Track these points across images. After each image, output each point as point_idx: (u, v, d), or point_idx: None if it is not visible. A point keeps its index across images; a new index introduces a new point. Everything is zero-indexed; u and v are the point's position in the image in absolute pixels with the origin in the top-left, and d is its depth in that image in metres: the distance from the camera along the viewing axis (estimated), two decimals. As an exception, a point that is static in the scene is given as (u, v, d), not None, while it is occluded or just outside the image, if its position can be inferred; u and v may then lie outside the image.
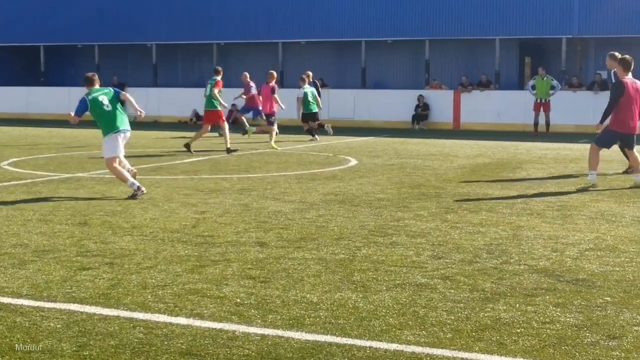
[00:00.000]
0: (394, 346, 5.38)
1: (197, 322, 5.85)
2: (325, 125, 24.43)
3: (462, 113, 30.29)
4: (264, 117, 23.47)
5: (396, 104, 31.14)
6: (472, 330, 5.71)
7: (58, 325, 5.75)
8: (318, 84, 20.29)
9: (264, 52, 35.45)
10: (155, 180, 14.04)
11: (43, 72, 38.79)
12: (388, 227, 9.58)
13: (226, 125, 19.98)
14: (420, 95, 30.67)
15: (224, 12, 34.77)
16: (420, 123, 30.30)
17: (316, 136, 23.81)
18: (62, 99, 35.31)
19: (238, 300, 6.43)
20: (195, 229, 9.44)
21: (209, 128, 20.41)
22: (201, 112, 22.50)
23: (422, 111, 30.58)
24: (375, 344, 5.43)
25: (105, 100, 12.41)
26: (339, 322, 5.89)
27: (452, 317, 5.99)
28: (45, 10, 37.87)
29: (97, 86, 12.72)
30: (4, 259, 7.81)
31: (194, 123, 31.54)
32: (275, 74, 23.82)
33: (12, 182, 13.64)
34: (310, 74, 25.35)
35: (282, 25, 33.73)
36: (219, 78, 20.05)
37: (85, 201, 11.55)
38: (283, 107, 22.91)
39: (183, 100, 33.59)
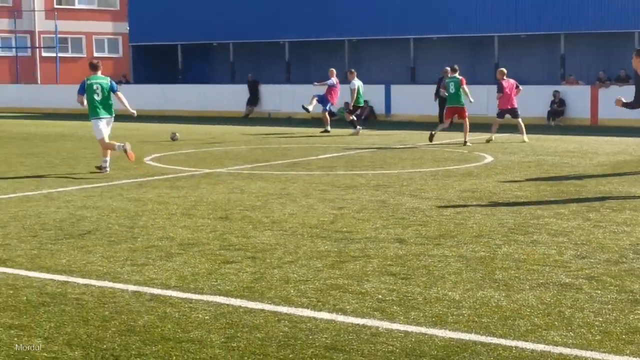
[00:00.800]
0: (540, 347, 5.29)
1: (340, 317, 5.90)
2: (358, 126, 25.13)
3: (599, 109, 29.41)
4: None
5: (531, 99, 30.47)
6: (621, 332, 5.55)
7: (206, 317, 5.90)
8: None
9: (395, 48, 35.40)
10: (291, 176, 14.22)
11: (180, 69, 39.87)
12: (528, 225, 9.41)
13: (467, 121, 20.96)
14: (556, 91, 29.97)
15: (355, 8, 34.89)
16: (556, 119, 29.61)
17: (359, 127, 24.97)
18: (196, 96, 36.31)
19: (380, 296, 6.44)
20: (333, 224, 9.52)
21: (450, 123, 21.71)
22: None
23: (557, 107, 29.87)
24: (521, 344, 5.35)
25: (98, 88, 14.63)
26: (483, 320, 5.83)
27: (600, 319, 5.83)
28: (182, 10, 38.89)
29: (98, 73, 14.82)
30: (152, 251, 8.08)
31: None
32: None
33: (155, 177, 14.09)
34: (354, 71, 26.32)
35: (414, 21, 33.60)
36: (459, 76, 21.20)
37: (225, 196, 11.81)
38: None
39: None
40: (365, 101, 27.94)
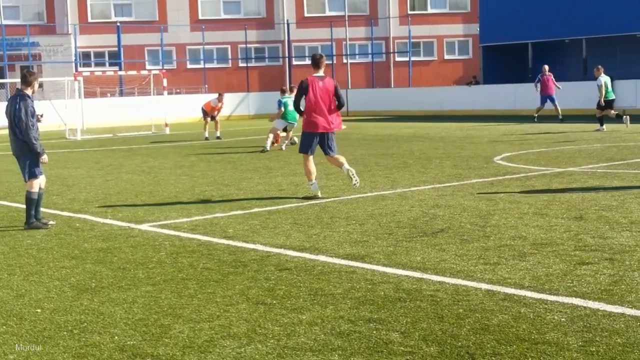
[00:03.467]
0: None
1: None
2: (624, 116, 24.55)
3: None
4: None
5: None
6: None
7: (562, 319, 5.73)
8: None
9: None
10: None
11: (530, 68, 39.34)
12: None
13: None
14: None
15: None
16: None
17: (604, 126, 24.57)
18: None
19: None
20: (700, 226, 8.83)
21: None
22: None
23: None
24: None
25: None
26: None
27: None
28: (533, 8, 38.34)
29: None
30: (504, 250, 8.01)
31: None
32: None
33: (506, 177, 14.00)
34: (601, 67, 26.08)
35: None
36: None
37: (580, 195, 11.43)
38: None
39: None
40: None
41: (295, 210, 11.13)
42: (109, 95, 44.34)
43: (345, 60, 52.91)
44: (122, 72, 43.05)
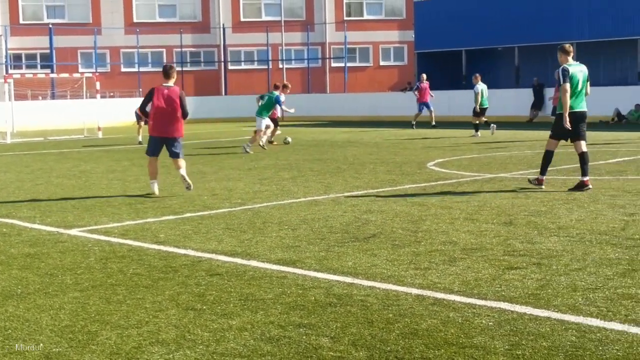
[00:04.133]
0: None
1: (633, 329, 5.56)
2: (491, 124, 26.93)
3: None
4: None
5: None
6: None
7: (490, 323, 5.80)
8: None
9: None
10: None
11: (464, 75, 39.83)
12: None
13: None
14: None
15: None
16: None
17: (478, 132, 26.76)
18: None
19: (677, 308, 6.01)
20: (624, 231, 9.04)
21: None
22: (623, 112, 22.54)
23: None
24: None
25: None
26: None
27: None
28: (467, 16, 38.84)
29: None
30: (435, 255, 8.09)
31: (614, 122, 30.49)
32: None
33: (439, 182, 14.14)
34: (479, 75, 28.02)
35: None
36: None
37: (510, 201, 11.60)
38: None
39: (604, 100, 32.49)
40: None
41: (227, 215, 11.08)
42: (40, 98, 43.65)
43: (281, 65, 52.93)
44: (54, 75, 42.42)
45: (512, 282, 6.90)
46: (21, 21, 51.61)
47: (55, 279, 7.48)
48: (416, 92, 32.42)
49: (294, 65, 54.97)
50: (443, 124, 33.47)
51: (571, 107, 12.56)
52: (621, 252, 7.96)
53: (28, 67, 51.51)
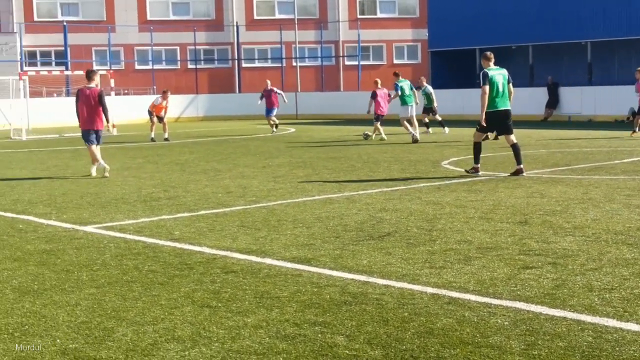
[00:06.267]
0: None
1: (649, 330, 5.54)
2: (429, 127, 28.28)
3: None
4: None
5: None
6: None
7: (505, 322, 5.78)
8: None
9: None
10: (594, 180, 13.66)
11: (478, 74, 39.76)
12: None
13: None
14: None
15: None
16: None
17: (430, 129, 28.23)
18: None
19: (694, 309, 5.98)
20: (640, 231, 9.01)
21: None
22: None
23: None
24: None
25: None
26: None
27: None
28: (480, 15, 38.74)
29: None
30: (450, 254, 8.07)
31: (630, 121, 30.32)
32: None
33: (453, 181, 14.12)
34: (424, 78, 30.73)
35: None
36: None
37: (525, 200, 11.57)
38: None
39: (619, 99, 32.36)
40: None
41: (242, 212, 11.09)
42: (55, 95, 43.80)
43: (294, 64, 52.95)
44: (68, 72, 42.56)
45: (527, 282, 6.88)
46: (36, 19, 51.82)
47: (72, 276, 7.51)
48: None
49: (307, 63, 54.99)
50: (457, 122, 33.38)
51: (496, 106, 14.69)
52: (638, 252, 7.92)
53: (43, 64, 51.71)
